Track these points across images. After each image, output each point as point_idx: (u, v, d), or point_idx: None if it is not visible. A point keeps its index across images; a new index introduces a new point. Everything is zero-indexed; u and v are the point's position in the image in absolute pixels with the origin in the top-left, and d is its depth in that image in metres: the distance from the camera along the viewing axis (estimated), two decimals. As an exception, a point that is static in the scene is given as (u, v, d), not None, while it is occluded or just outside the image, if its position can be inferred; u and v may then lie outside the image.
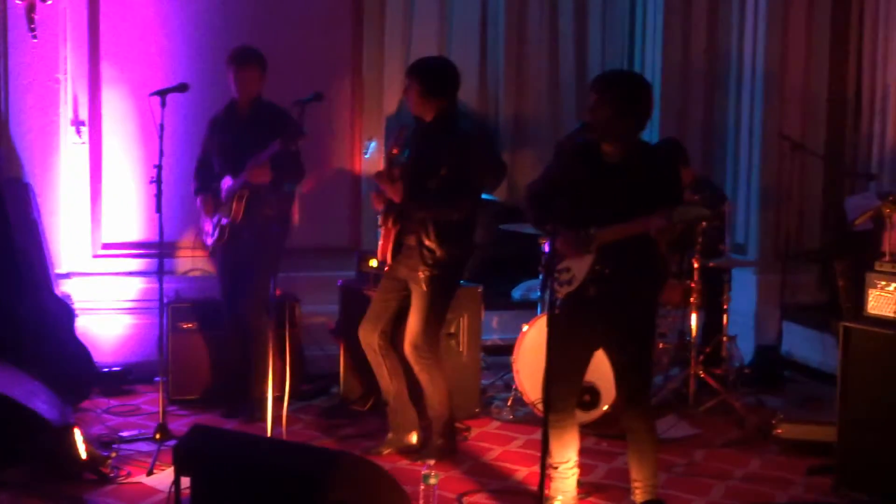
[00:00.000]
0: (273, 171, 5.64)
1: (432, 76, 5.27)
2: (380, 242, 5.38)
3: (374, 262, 6.23)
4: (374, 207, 5.49)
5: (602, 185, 4.35)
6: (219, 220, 5.88)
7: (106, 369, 6.52)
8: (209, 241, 6.00)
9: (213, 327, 6.32)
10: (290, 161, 5.62)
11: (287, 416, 5.22)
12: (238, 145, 5.81)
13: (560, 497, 4.59)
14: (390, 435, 5.54)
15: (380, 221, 5.39)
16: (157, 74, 6.65)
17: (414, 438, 5.51)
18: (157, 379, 5.54)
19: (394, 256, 5.33)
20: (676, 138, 7.13)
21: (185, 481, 4.36)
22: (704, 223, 6.18)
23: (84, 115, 6.75)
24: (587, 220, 4.33)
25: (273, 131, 5.50)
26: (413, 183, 5.20)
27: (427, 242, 5.19)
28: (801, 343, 7.39)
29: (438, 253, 5.19)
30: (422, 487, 4.73)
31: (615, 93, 4.33)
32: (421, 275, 5.24)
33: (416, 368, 5.36)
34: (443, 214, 5.18)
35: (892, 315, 4.87)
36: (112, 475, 4.99)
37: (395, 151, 5.35)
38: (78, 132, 6.76)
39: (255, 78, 5.89)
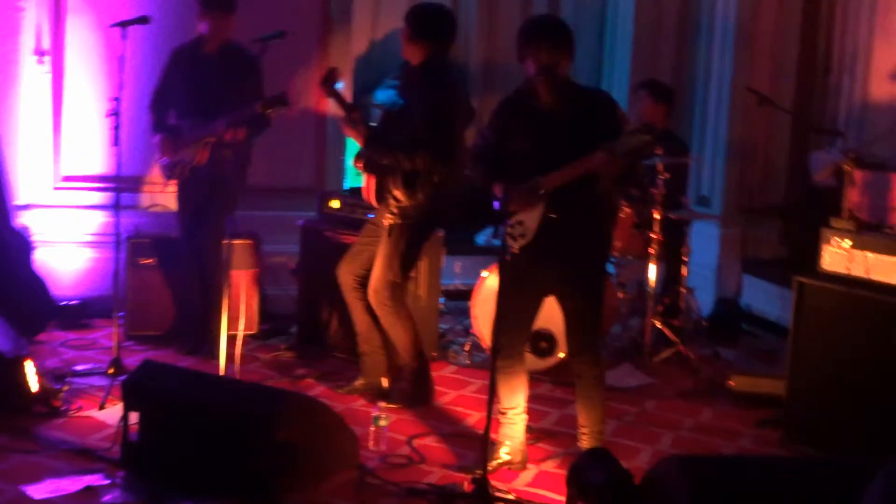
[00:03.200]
0: (247, 130, 5.62)
1: (420, 20, 5.22)
2: (363, 184, 5.39)
3: (335, 203, 6.22)
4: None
5: (543, 131, 4.34)
6: (180, 160, 5.80)
7: (64, 303, 6.49)
8: (167, 176, 5.93)
9: (173, 263, 6.26)
10: (263, 120, 5.61)
11: (243, 354, 5.22)
12: (203, 86, 5.73)
13: (508, 442, 4.63)
14: (361, 379, 5.55)
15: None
16: (123, 5, 6.54)
17: (385, 383, 5.51)
18: (114, 314, 5.51)
19: (378, 200, 5.31)
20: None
21: (135, 416, 4.38)
22: (667, 174, 6.18)
23: (47, 44, 6.66)
24: (532, 170, 4.32)
25: (241, 77, 5.46)
26: (390, 128, 5.17)
27: (393, 190, 5.16)
28: (761, 297, 7.45)
29: (403, 202, 5.16)
30: (372, 429, 4.77)
31: (552, 39, 4.31)
32: (385, 222, 5.23)
33: (379, 314, 5.36)
34: (403, 162, 5.12)
35: (845, 272, 4.90)
36: (63, 408, 4.98)
37: (356, 114, 5.26)
38: (40, 61, 6.66)
39: (229, 23, 5.77)
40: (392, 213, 5.21)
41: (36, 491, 4.12)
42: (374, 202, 5.35)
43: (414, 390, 5.43)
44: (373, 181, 5.30)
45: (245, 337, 5.43)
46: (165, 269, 6.30)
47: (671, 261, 6.62)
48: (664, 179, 6.18)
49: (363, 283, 5.41)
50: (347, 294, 5.48)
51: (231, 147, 5.65)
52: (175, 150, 5.83)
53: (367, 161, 5.26)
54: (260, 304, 6.47)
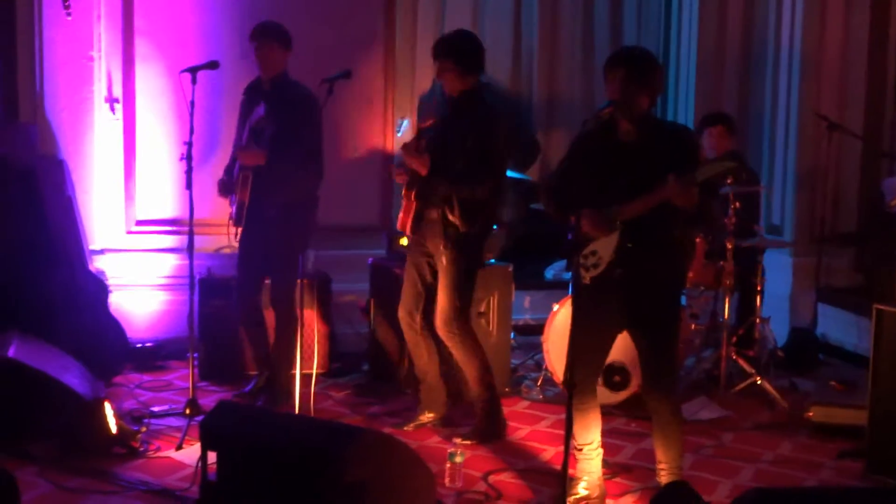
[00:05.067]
0: (267, 152, 5.53)
1: (468, 53, 5.26)
2: (400, 214, 5.39)
3: (404, 241, 6.23)
4: (396, 180, 5.51)
5: (620, 163, 4.32)
6: (239, 203, 5.83)
7: (139, 345, 6.58)
8: (235, 222, 5.93)
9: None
10: (289, 143, 5.48)
11: (316, 393, 5.24)
12: (256, 122, 5.71)
13: (585, 477, 4.58)
14: (421, 412, 5.56)
15: (403, 194, 5.38)
16: (191, 51, 6.68)
17: (443, 410, 5.56)
18: (188, 355, 5.56)
19: (414, 230, 5.33)
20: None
21: (213, 456, 4.40)
22: (738, 203, 6.12)
23: (118, 92, 6.80)
24: (608, 201, 4.30)
25: (289, 108, 5.46)
26: (439, 158, 5.19)
27: (451, 218, 5.18)
28: (836, 326, 7.32)
29: (462, 229, 5.19)
30: (448, 465, 4.75)
31: (630, 70, 4.30)
32: (444, 250, 5.24)
33: (450, 345, 5.36)
34: (467, 191, 5.16)
35: (925, 298, 4.80)
36: (141, 449, 5.04)
37: (427, 123, 5.32)
38: (112, 109, 6.81)
39: (274, 54, 5.70)
40: (450, 241, 5.22)
41: (117, 532, 4.16)
42: (409, 231, 5.36)
43: (486, 425, 5.41)
44: (412, 210, 5.30)
45: (317, 376, 5.43)
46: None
47: (745, 291, 6.55)
48: (735, 208, 6.12)
49: (428, 318, 5.42)
50: (411, 333, 5.51)
51: (283, 185, 5.56)
52: (229, 191, 5.79)
53: (421, 189, 5.26)
54: (330, 343, 6.50)
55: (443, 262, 5.25)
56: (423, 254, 5.40)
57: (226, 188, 5.81)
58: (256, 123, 5.68)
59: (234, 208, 5.78)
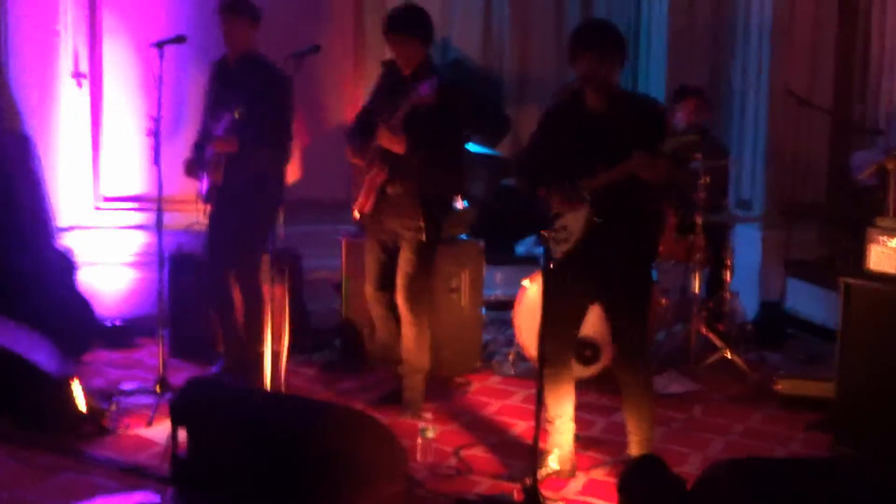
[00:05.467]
0: (239, 139, 5.45)
1: (428, 27, 5.28)
2: (360, 196, 5.32)
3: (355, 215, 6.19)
4: (352, 161, 5.43)
5: (589, 136, 4.32)
6: (210, 181, 5.77)
7: (108, 323, 6.54)
8: (204, 200, 5.87)
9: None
10: (262, 124, 5.40)
11: (287, 370, 5.22)
12: (220, 100, 5.64)
13: (556, 450, 4.60)
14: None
15: (363, 173, 5.31)
16: (158, 25, 6.62)
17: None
18: (158, 332, 5.54)
19: (374, 208, 5.30)
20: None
21: (183, 433, 4.39)
22: (707, 178, 6.14)
23: (84, 67, 6.74)
24: (577, 175, 4.30)
25: (257, 88, 5.40)
26: (413, 135, 5.14)
27: (426, 191, 5.17)
28: (805, 299, 7.36)
29: (438, 201, 5.22)
30: (419, 440, 4.76)
31: (603, 46, 4.29)
32: (421, 224, 5.21)
33: (408, 317, 5.31)
34: (437, 162, 5.16)
35: (892, 271, 4.83)
36: (111, 427, 5.02)
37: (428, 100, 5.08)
38: (78, 84, 6.73)
39: (241, 30, 5.61)
40: (424, 215, 5.20)
41: (87, 509, 4.14)
42: (368, 210, 5.31)
43: (414, 397, 5.41)
44: (375, 187, 5.27)
45: (288, 353, 5.41)
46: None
47: (714, 265, 6.58)
48: (705, 183, 6.14)
49: (385, 294, 5.42)
50: (382, 311, 5.49)
51: (252, 164, 5.49)
52: (197, 170, 5.73)
53: (392, 167, 5.21)
54: (301, 320, 6.47)
55: (413, 235, 5.23)
56: (384, 231, 5.37)
57: (193, 168, 5.75)
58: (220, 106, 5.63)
59: (205, 186, 5.73)
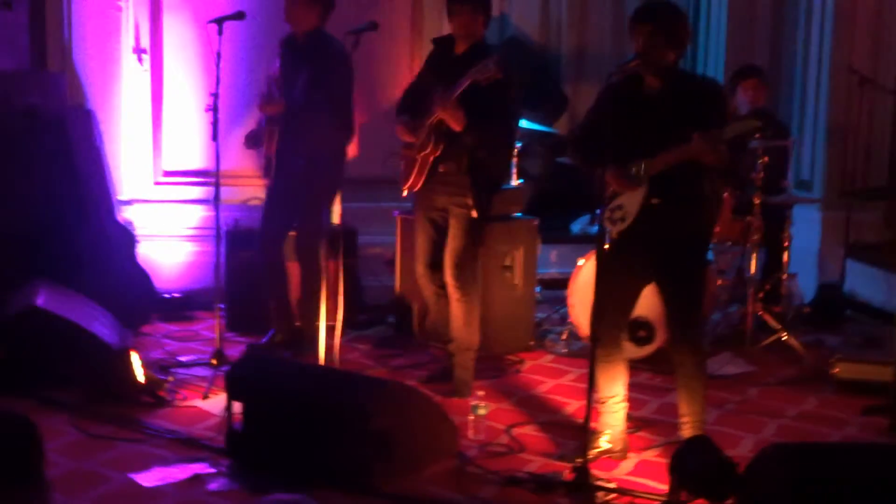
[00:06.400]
0: (305, 114, 5.54)
1: (490, 1, 5.27)
2: (413, 172, 5.30)
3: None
4: (403, 139, 5.41)
5: (646, 117, 4.29)
6: (264, 152, 5.87)
7: (166, 295, 6.63)
8: (264, 174, 5.97)
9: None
10: (330, 100, 5.45)
11: (341, 345, 5.27)
12: (289, 76, 5.71)
13: (608, 431, 4.59)
14: None
15: (415, 151, 5.28)
16: (219, 1, 6.64)
17: None
18: (215, 306, 5.61)
19: (424, 185, 5.31)
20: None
21: (238, 406, 4.46)
22: (766, 158, 6.07)
23: (145, 42, 6.81)
24: (635, 154, 4.27)
25: (324, 62, 5.44)
26: (469, 111, 5.12)
27: (477, 168, 5.16)
28: (865, 282, 7.27)
29: (490, 179, 5.22)
30: (471, 418, 4.78)
31: (657, 22, 4.26)
32: (471, 201, 5.21)
33: (457, 295, 5.30)
34: (495, 141, 5.17)
35: (954, 255, 4.76)
36: (168, 398, 5.09)
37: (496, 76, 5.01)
38: (139, 59, 6.81)
39: (303, 9, 5.63)
40: (478, 192, 5.19)
41: (145, 479, 4.21)
42: (418, 187, 5.32)
43: (465, 377, 5.37)
44: (427, 165, 5.26)
45: (343, 328, 5.46)
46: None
47: (772, 246, 6.51)
48: (764, 163, 6.07)
49: (437, 273, 5.40)
50: (433, 291, 5.47)
51: (308, 135, 5.55)
52: (256, 144, 5.90)
53: (447, 144, 5.18)
54: (356, 296, 6.51)
55: (463, 213, 5.22)
56: (435, 208, 5.36)
57: (253, 141, 5.84)
58: (276, 77, 5.70)
59: (266, 161, 5.83)
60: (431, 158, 5.24)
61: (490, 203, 5.33)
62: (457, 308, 5.33)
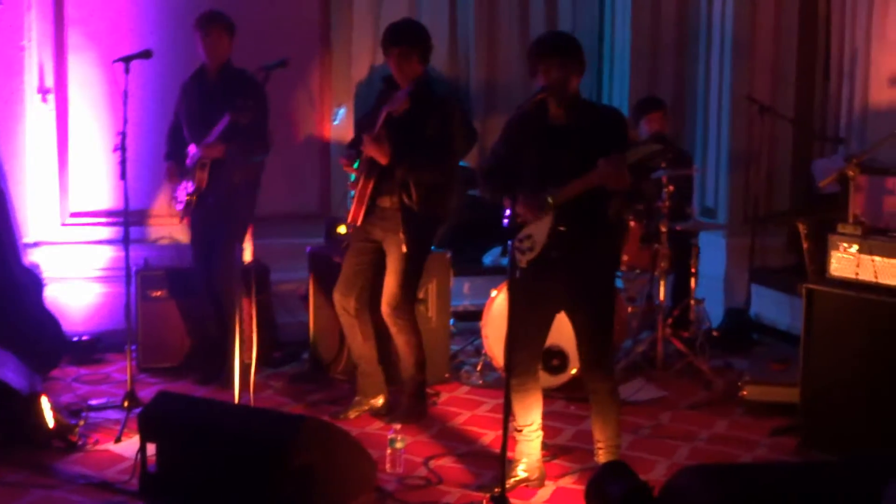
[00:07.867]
0: (227, 145, 5.57)
1: (427, 41, 5.33)
2: (352, 205, 5.37)
3: (342, 229, 6.22)
4: (347, 171, 5.50)
5: (552, 146, 4.37)
6: (185, 188, 5.89)
7: (76, 338, 6.51)
8: (178, 207, 5.99)
9: (185, 294, 6.29)
10: (246, 133, 5.44)
11: (257, 382, 5.23)
12: (204, 111, 5.76)
13: (524, 459, 4.63)
14: (357, 398, 5.59)
15: (356, 187, 5.36)
16: (125, 40, 6.60)
17: (381, 401, 5.59)
18: (126, 347, 5.53)
19: (365, 218, 5.34)
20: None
21: (152, 448, 4.39)
22: (672, 187, 6.21)
23: (50, 82, 6.71)
24: (541, 184, 4.34)
25: (241, 97, 5.45)
26: (398, 145, 5.18)
27: (408, 203, 5.21)
28: (770, 306, 7.44)
29: (420, 214, 5.24)
30: (388, 451, 4.78)
31: (564, 56, 4.35)
32: (402, 236, 5.25)
33: (394, 330, 5.39)
34: (427, 176, 5.21)
35: (853, 277, 4.91)
36: (80, 443, 5.00)
37: (399, 107, 5.20)
38: (44, 99, 6.71)
39: (222, 42, 5.82)
40: (407, 226, 5.24)
41: (56, 526, 4.13)
42: (360, 220, 5.35)
43: (416, 405, 5.50)
44: (365, 199, 5.30)
45: (257, 366, 5.43)
46: (177, 300, 6.32)
47: (679, 273, 6.64)
48: (669, 192, 6.20)
49: (364, 302, 5.48)
50: (347, 317, 5.51)
51: (234, 172, 5.58)
52: (179, 177, 5.94)
53: (379, 178, 5.25)
54: (270, 333, 6.48)
55: (400, 248, 5.26)
56: (368, 240, 5.41)
57: (174, 174, 5.95)
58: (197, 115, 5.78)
59: (182, 194, 5.87)
60: (367, 192, 5.27)
61: (427, 236, 5.39)
62: (397, 339, 5.44)
